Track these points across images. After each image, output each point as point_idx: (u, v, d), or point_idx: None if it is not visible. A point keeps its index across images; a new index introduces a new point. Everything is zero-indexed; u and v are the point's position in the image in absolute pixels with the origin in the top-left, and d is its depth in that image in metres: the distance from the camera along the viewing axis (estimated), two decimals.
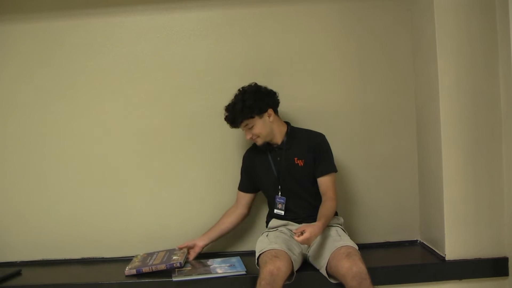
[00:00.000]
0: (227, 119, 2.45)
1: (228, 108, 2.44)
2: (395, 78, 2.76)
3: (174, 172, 2.78)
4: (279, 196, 2.48)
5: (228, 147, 2.76)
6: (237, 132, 2.73)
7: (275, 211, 2.50)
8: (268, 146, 2.50)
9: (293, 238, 2.40)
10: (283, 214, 2.48)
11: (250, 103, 2.38)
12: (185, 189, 2.78)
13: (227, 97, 2.73)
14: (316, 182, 2.46)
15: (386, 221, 2.78)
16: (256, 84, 2.48)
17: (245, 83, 2.73)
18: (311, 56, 2.75)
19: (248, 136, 2.45)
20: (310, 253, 2.39)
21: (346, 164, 2.72)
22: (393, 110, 2.76)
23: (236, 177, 2.70)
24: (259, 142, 2.46)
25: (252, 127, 2.42)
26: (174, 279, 2.34)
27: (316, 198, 2.45)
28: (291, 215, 2.48)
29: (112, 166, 2.78)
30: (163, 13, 2.75)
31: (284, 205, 2.47)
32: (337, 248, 2.23)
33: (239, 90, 2.47)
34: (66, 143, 2.77)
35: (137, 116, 2.77)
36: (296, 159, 2.46)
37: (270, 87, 2.48)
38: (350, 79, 2.75)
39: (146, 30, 2.75)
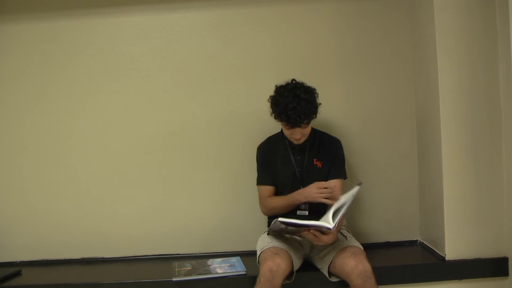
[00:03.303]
0: (294, 116, 2.25)
1: (296, 107, 2.25)
2: (395, 78, 2.76)
3: (175, 172, 2.78)
4: None
5: (228, 146, 2.76)
6: (236, 130, 2.74)
7: (298, 212, 2.41)
8: (290, 144, 2.47)
9: (295, 238, 2.41)
10: (307, 214, 2.40)
11: (315, 102, 2.32)
12: (186, 190, 2.78)
13: (227, 97, 2.75)
14: None
15: (386, 221, 2.78)
16: (303, 82, 2.37)
17: (245, 82, 2.75)
18: (311, 55, 2.75)
19: (298, 136, 2.36)
20: (313, 252, 2.39)
21: (346, 164, 2.72)
22: (393, 110, 2.76)
23: (238, 177, 2.71)
24: (301, 141, 2.41)
25: (306, 126, 2.35)
26: (174, 279, 2.34)
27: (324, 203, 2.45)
28: (310, 217, 2.40)
29: (111, 167, 2.78)
30: (163, 13, 2.75)
31: (307, 206, 2.41)
32: (343, 248, 2.24)
33: (290, 87, 2.31)
34: (66, 143, 2.78)
35: (137, 116, 2.77)
36: (315, 160, 2.46)
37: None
38: (349, 79, 2.75)
39: (146, 30, 2.75)
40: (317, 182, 2.34)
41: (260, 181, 2.53)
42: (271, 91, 2.39)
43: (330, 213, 2.12)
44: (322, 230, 2.14)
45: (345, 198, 2.16)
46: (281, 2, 2.75)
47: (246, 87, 2.75)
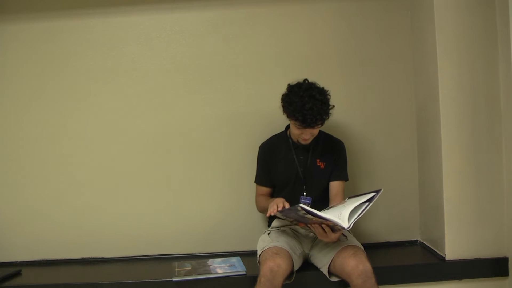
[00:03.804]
0: (311, 116, 2.22)
1: (312, 108, 2.22)
2: (395, 78, 2.76)
3: (175, 173, 2.78)
4: (304, 196, 2.44)
5: (228, 146, 2.76)
6: (237, 130, 2.74)
7: (302, 199, 2.43)
8: (294, 144, 2.47)
9: (295, 238, 2.41)
10: (309, 202, 2.41)
11: (329, 103, 2.29)
12: (186, 190, 2.78)
13: (228, 97, 2.75)
14: (327, 187, 2.48)
15: (386, 221, 2.78)
16: (315, 82, 2.34)
17: (246, 82, 2.75)
18: (311, 55, 2.75)
19: (308, 136, 2.33)
20: (313, 251, 2.39)
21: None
22: (393, 110, 2.76)
23: (238, 177, 2.71)
24: (309, 141, 2.39)
25: (319, 127, 2.34)
26: (174, 279, 2.34)
27: (325, 203, 2.45)
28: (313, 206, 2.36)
29: (111, 167, 2.78)
30: (163, 13, 2.75)
31: (309, 206, 2.36)
32: (343, 247, 2.24)
33: (304, 87, 2.28)
34: (67, 143, 2.77)
35: (137, 116, 2.77)
36: (318, 161, 2.46)
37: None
38: (350, 79, 2.75)
39: (146, 30, 2.75)
40: (281, 199, 2.27)
41: (257, 181, 2.56)
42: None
43: (346, 213, 2.10)
44: (334, 227, 2.14)
45: (360, 201, 2.14)
46: (281, 2, 2.74)
47: (247, 87, 2.75)
